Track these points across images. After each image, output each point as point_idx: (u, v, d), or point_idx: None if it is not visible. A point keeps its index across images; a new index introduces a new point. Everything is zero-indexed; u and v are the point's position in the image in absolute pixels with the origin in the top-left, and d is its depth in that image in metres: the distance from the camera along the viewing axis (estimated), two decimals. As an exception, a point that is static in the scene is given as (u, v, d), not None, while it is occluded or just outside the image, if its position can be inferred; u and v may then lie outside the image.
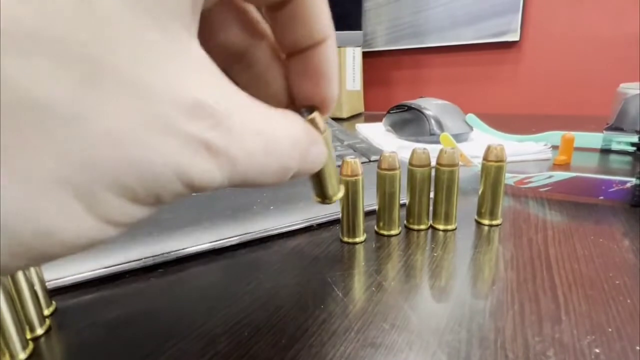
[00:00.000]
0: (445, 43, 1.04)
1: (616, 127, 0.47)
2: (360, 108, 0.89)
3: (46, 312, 0.19)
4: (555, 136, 0.48)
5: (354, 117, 0.84)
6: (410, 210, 0.27)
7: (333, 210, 0.28)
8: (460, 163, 0.26)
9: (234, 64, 0.14)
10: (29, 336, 0.17)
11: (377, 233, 0.27)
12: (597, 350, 0.16)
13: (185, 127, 0.08)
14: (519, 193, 0.34)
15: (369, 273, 0.22)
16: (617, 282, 0.21)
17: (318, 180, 0.15)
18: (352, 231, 0.26)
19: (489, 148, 0.26)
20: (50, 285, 0.20)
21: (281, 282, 0.22)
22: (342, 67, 0.80)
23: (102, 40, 0.07)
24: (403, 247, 0.25)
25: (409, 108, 0.54)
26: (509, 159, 0.27)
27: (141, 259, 0.23)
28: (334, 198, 0.16)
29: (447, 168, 0.26)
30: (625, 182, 0.30)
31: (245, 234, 0.26)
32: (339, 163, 0.24)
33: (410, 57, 1.12)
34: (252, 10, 0.14)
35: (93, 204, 0.08)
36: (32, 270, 0.18)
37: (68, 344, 0.18)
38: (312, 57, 0.13)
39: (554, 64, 0.95)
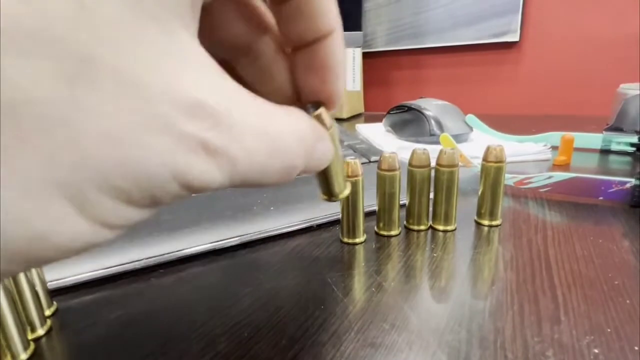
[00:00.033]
0: (445, 44, 1.04)
1: (616, 128, 0.47)
2: (360, 108, 0.89)
3: (47, 312, 0.19)
4: (555, 137, 0.48)
5: (354, 118, 0.84)
6: (410, 211, 0.27)
7: (333, 211, 0.28)
8: (460, 164, 0.26)
9: (240, 58, 0.14)
10: (30, 336, 0.18)
11: (377, 233, 0.27)
12: (596, 351, 0.16)
13: (184, 127, 0.08)
14: (518, 193, 0.34)
15: (369, 273, 0.22)
16: (616, 282, 0.21)
17: (324, 177, 0.15)
18: (352, 232, 0.26)
19: (488, 149, 0.27)
20: (51, 285, 0.20)
21: (281, 282, 0.22)
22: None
23: (102, 41, 0.07)
24: (403, 248, 0.25)
25: (409, 108, 0.54)
26: (508, 159, 0.27)
27: (142, 260, 0.23)
28: (341, 195, 0.16)
29: (446, 169, 0.26)
30: (625, 182, 0.30)
31: (245, 234, 0.26)
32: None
33: (410, 58, 1.13)
34: (257, 3, 0.13)
35: (86, 206, 0.07)
36: (34, 271, 0.18)
37: (69, 344, 0.18)
38: (318, 51, 0.12)
39: (554, 64, 0.95)
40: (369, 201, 0.27)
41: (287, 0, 0.12)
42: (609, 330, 0.17)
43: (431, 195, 0.27)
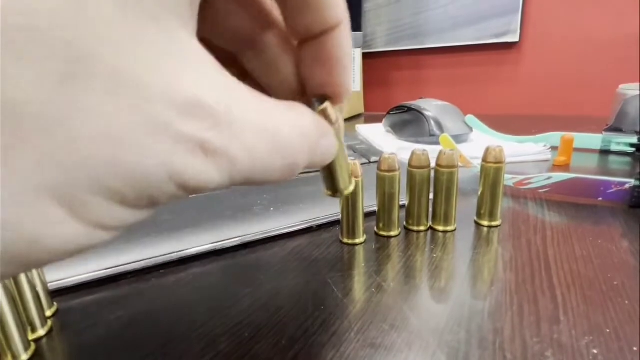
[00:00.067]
0: (445, 44, 1.04)
1: (615, 128, 0.47)
2: (360, 109, 0.89)
3: (48, 313, 0.19)
4: (555, 137, 0.48)
5: (354, 118, 0.84)
6: (409, 212, 0.27)
7: (333, 212, 0.28)
8: (459, 164, 0.26)
9: (246, 50, 0.14)
10: (30, 337, 0.18)
11: (376, 234, 0.27)
12: (595, 351, 0.16)
13: (181, 127, 0.08)
14: (518, 194, 0.34)
15: (368, 274, 0.22)
16: (616, 283, 0.21)
17: (329, 173, 0.15)
18: (352, 232, 0.26)
19: (487, 149, 0.27)
20: (51, 286, 0.20)
21: (281, 283, 0.22)
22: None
23: (102, 40, 0.07)
24: (403, 248, 0.25)
25: (409, 109, 0.54)
26: (508, 160, 0.27)
27: (142, 260, 0.23)
28: (345, 192, 0.15)
29: (446, 169, 0.26)
30: (624, 183, 0.30)
31: (245, 235, 0.26)
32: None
33: (410, 58, 1.13)
34: None
35: (78, 208, 0.07)
36: (34, 271, 0.18)
37: (69, 345, 0.18)
38: (325, 43, 0.12)
39: (554, 64, 0.95)
40: (368, 202, 0.27)
41: None
42: (608, 330, 0.17)
43: (431, 196, 0.27)
